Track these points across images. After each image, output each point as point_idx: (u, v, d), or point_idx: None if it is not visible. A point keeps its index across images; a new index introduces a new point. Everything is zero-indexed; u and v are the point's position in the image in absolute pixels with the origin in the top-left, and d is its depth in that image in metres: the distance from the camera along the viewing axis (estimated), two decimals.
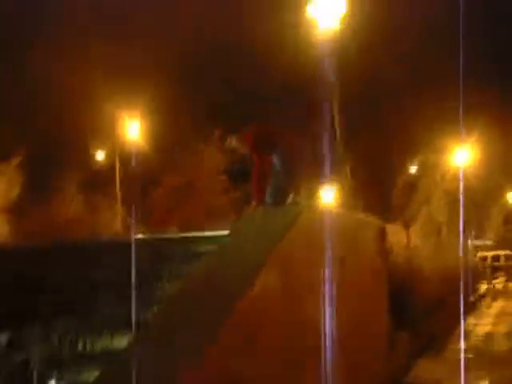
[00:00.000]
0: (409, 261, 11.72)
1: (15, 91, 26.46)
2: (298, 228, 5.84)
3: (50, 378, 4.64)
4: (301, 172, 6.94)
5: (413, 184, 25.84)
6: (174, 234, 8.58)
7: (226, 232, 6.07)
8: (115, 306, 5.67)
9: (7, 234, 23.44)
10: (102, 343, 5.04)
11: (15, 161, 24.20)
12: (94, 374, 4.41)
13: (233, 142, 6.60)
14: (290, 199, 6.20)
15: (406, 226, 16.82)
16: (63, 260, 6.95)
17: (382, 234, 9.03)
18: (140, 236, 11.02)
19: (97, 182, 27.61)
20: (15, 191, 24.36)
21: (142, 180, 23.20)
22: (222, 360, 4.25)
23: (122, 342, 4.84)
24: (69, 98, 26.02)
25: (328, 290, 6.40)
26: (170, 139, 22.88)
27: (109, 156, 27.96)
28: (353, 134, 22.79)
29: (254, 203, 6.37)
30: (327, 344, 6.13)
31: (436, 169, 26.00)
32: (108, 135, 25.73)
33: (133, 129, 24.39)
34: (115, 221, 26.69)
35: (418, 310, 10.15)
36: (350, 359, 6.44)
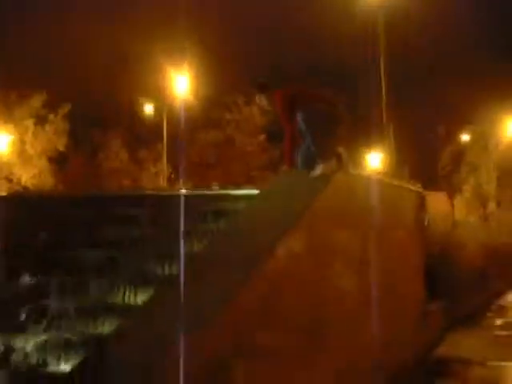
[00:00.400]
0: (450, 231, 11.39)
1: (65, 49, 26.66)
2: (329, 193, 5.63)
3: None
4: (339, 137, 6.59)
5: (461, 153, 25.20)
6: (210, 190, 8.43)
7: (256, 192, 5.91)
8: (143, 262, 5.64)
9: (53, 182, 23.94)
10: (126, 297, 5.00)
11: (62, 111, 24.57)
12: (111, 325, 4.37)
13: (262, 100, 6.27)
14: (319, 168, 5.71)
15: (451, 195, 16.40)
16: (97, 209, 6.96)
17: (422, 203, 8.76)
18: (172, 191, 11.01)
19: (143, 137, 27.84)
20: (62, 141, 24.80)
21: (187, 136, 23.24)
22: (237, 323, 4.13)
23: (142, 297, 4.79)
24: (117, 54, 26.13)
25: (360, 258, 6.24)
26: (215, 97, 22.80)
27: (157, 110, 28.06)
28: (401, 99, 22.30)
29: (284, 166, 6.14)
30: (357, 313, 6.00)
31: (487, 138, 25.27)
32: (157, 90, 25.77)
33: (181, 84, 24.34)
34: (159, 175, 26.97)
35: (455, 283, 9.88)
36: (381, 329, 6.29)
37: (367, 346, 6.07)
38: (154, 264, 5.55)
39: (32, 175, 23.61)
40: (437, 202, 11.13)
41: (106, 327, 4.51)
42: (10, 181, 22.90)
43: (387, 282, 6.60)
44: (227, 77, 21.75)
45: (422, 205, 8.72)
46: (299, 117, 5.85)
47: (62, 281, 5.55)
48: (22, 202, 8.11)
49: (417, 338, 7.76)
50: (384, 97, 20.24)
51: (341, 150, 6.14)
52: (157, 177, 26.97)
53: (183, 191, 8.55)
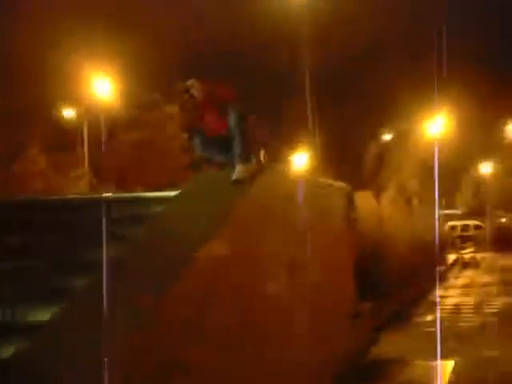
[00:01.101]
0: (377, 229, 11.32)
1: None
2: (254, 193, 5.30)
3: None
4: (262, 138, 6.30)
5: (384, 152, 25.54)
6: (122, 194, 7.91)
7: (174, 193, 5.49)
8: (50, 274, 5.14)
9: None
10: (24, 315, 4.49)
11: None
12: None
13: (190, 83, 5.75)
14: (241, 170, 5.32)
15: (377, 194, 16.45)
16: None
17: (350, 201, 8.57)
18: (87, 195, 10.43)
19: (63, 140, 26.87)
20: None
21: (107, 139, 22.51)
22: (157, 337, 3.72)
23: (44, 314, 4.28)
24: (35, 56, 25.11)
25: (288, 259, 5.94)
26: (136, 98, 22.20)
27: (77, 114, 27.14)
28: (324, 100, 22.36)
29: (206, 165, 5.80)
30: (287, 316, 5.70)
31: (408, 137, 25.71)
32: (77, 93, 24.91)
33: (102, 87, 23.56)
34: (79, 180, 26.04)
35: (384, 280, 9.77)
36: (311, 331, 6.00)
37: (298, 351, 5.76)
38: (62, 276, 5.05)
39: None
40: (364, 200, 11.03)
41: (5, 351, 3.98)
42: None
43: (317, 282, 6.33)
44: (148, 76, 21.22)
45: (350, 203, 8.52)
46: (231, 114, 5.49)
47: None
48: None
49: (349, 340, 7.54)
50: (308, 97, 20.27)
51: (260, 149, 5.90)
52: (77, 181, 26.02)
53: (103, 195, 7.93)
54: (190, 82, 5.66)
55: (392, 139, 26.93)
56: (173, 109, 21.66)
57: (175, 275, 4.02)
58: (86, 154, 24.82)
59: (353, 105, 25.92)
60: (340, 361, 6.97)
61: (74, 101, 26.61)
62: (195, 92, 5.58)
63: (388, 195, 19.50)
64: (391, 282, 10.14)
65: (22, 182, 25.05)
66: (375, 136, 26.95)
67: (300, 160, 24.66)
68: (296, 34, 18.99)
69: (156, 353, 3.69)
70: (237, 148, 5.42)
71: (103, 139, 20.98)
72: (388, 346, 8.09)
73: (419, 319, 9.87)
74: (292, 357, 5.64)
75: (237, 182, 5.25)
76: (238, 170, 5.30)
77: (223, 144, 5.53)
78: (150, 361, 3.57)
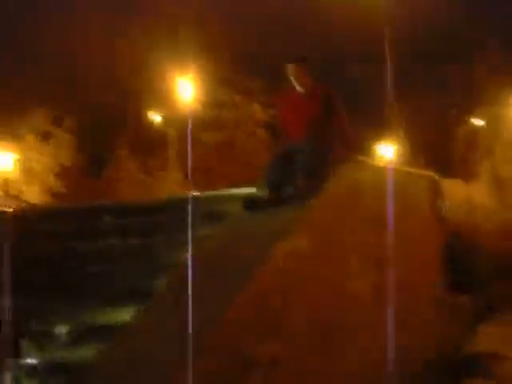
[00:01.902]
0: (469, 218, 10.88)
1: (66, 55, 26.40)
2: (336, 186, 5.17)
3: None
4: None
5: (475, 137, 24.57)
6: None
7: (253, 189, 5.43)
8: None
9: (60, 197, 23.63)
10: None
11: (66, 124, 24.26)
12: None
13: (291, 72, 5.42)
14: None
15: (467, 181, 15.78)
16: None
17: (437, 189, 8.25)
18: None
19: (151, 145, 27.54)
20: (67, 156, 24.49)
21: (193, 140, 22.86)
22: (235, 333, 3.67)
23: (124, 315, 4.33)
24: (122, 61, 25.83)
25: (374, 253, 5.76)
26: (215, 97, 22.41)
27: (163, 118, 27.74)
28: (410, 87, 21.76)
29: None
30: (373, 313, 5.53)
31: (501, 121, 24.64)
32: (163, 98, 25.44)
33: (185, 90, 23.95)
34: (169, 182, 26.61)
35: (478, 272, 9.35)
36: (400, 329, 5.80)
37: (386, 349, 5.57)
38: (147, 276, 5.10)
39: (40, 192, 23.33)
40: (453, 188, 10.63)
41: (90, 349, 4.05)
42: (18, 199, 22.64)
43: (405, 276, 6.10)
44: (227, 76, 21.37)
45: (438, 192, 8.21)
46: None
47: None
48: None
49: (441, 335, 7.25)
50: (389, 83, 19.78)
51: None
52: (167, 184, 26.63)
53: (191, 194, 7.96)
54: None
55: (483, 123, 25.90)
56: (250, 108, 21.81)
57: (251, 273, 3.96)
58: (174, 157, 25.36)
59: (441, 90, 25.14)
60: (433, 355, 6.72)
61: (160, 105, 27.24)
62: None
63: (479, 182, 18.75)
64: (485, 273, 9.70)
65: (114, 188, 25.85)
66: (465, 121, 25.99)
67: (386, 150, 24.17)
68: (380, 21, 18.58)
69: (234, 351, 3.65)
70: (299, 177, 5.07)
71: (189, 141, 21.35)
72: (482, 339, 7.73)
73: None
74: (379, 355, 5.47)
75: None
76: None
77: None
78: (228, 359, 3.52)
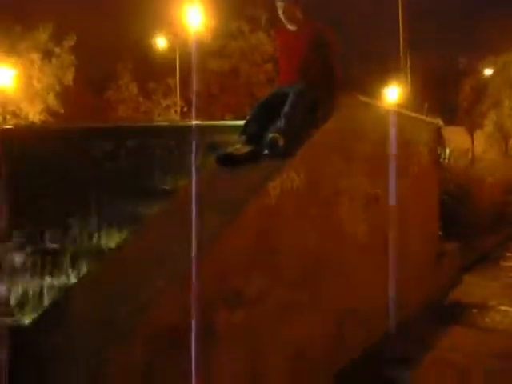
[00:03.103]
0: (468, 168, 10.79)
1: None
2: (334, 124, 5.04)
3: None
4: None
5: (483, 86, 24.19)
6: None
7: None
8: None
9: (61, 117, 23.45)
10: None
11: (68, 43, 23.81)
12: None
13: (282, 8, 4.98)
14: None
15: (471, 130, 15.64)
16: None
17: (440, 137, 8.16)
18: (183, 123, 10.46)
19: (154, 70, 27.11)
20: (68, 75, 24.14)
21: (197, 68, 22.47)
22: (223, 266, 3.65)
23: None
24: None
25: (369, 194, 5.71)
26: (221, 25, 21.93)
27: (169, 43, 27.19)
28: (419, 31, 21.32)
29: None
30: (365, 254, 5.53)
31: (509, 71, 24.20)
32: (169, 22, 24.85)
33: (193, 16, 23.40)
34: (170, 109, 26.39)
35: (472, 221, 9.34)
36: (391, 271, 5.82)
37: (374, 291, 5.60)
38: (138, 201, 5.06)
39: (39, 110, 23.11)
40: (455, 136, 10.50)
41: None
42: (16, 116, 22.43)
43: (399, 219, 6.07)
44: (234, 3, 20.89)
45: (439, 139, 8.10)
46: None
47: None
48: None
49: (431, 280, 7.30)
50: (401, 29, 19.39)
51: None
52: (167, 110, 26.40)
53: (195, 122, 7.88)
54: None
55: (493, 72, 25.46)
56: (257, 37, 21.40)
57: (243, 206, 3.91)
58: (178, 83, 24.98)
59: (452, 42, 24.59)
60: (421, 300, 6.78)
61: (166, 30, 26.67)
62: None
63: (483, 132, 18.60)
64: (479, 223, 9.69)
65: (114, 108, 25.64)
66: (473, 69, 25.57)
67: (391, 92, 23.88)
68: None
69: (221, 284, 3.63)
70: (281, 121, 4.67)
71: (193, 68, 21.00)
72: (471, 288, 7.78)
73: (507, 263, 9.43)
74: (370, 294, 5.50)
75: (272, 140, 4.50)
76: (273, 132, 4.57)
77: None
78: (214, 291, 3.51)
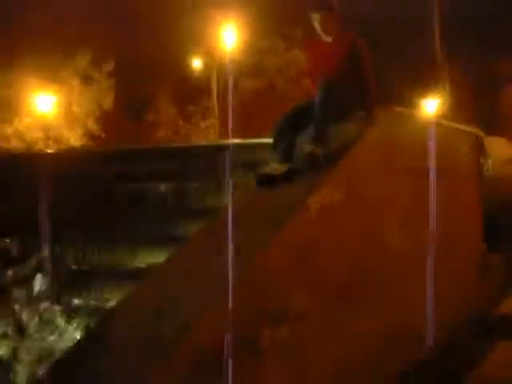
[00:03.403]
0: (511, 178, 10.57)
1: (107, 4, 26.20)
2: (373, 136, 5.01)
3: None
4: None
5: None
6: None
7: None
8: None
9: (99, 141, 23.83)
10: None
11: (107, 68, 24.22)
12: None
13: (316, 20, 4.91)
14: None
15: None
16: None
17: (481, 147, 8.01)
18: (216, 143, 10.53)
19: (191, 92, 27.41)
20: (108, 100, 24.54)
21: (234, 87, 22.63)
22: (265, 283, 3.64)
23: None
24: (161, 8, 25.55)
25: (411, 207, 5.65)
26: (256, 43, 22.07)
27: (204, 64, 27.50)
28: (457, 42, 21.12)
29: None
30: (407, 268, 5.45)
31: None
32: (205, 43, 25.16)
33: (229, 36, 23.61)
34: (208, 130, 26.58)
35: None
36: (434, 285, 5.72)
37: (418, 306, 5.51)
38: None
39: (80, 135, 23.54)
40: (498, 146, 10.33)
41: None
42: (58, 141, 22.89)
43: (441, 233, 5.98)
44: (269, 21, 21.00)
45: (481, 149, 7.97)
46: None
47: None
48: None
49: (476, 294, 7.14)
50: (437, 40, 19.25)
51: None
52: (207, 131, 26.60)
53: (231, 141, 7.90)
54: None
55: None
56: (293, 54, 21.49)
57: (284, 222, 3.90)
58: (215, 104, 25.21)
59: (491, 49, 24.33)
60: (467, 316, 6.64)
61: (201, 52, 26.98)
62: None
63: None
64: None
65: (153, 132, 25.95)
66: None
67: (430, 104, 23.65)
68: None
69: (264, 302, 3.62)
70: (314, 125, 4.63)
71: (230, 88, 21.15)
72: None
73: None
74: (414, 308, 5.42)
75: (310, 155, 4.50)
76: (309, 145, 4.55)
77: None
78: (255, 308, 3.50)
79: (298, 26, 19.79)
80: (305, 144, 4.57)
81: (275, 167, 4.53)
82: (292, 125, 4.73)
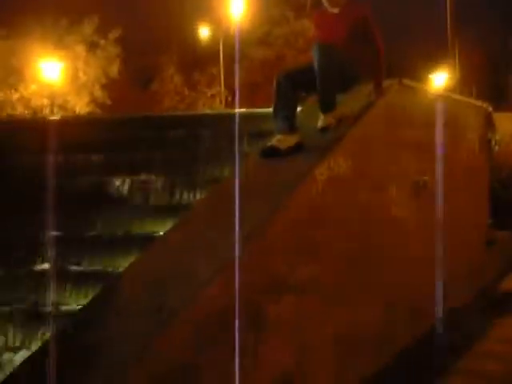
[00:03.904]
0: None
1: None
2: (381, 107, 4.96)
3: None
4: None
5: None
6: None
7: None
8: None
9: (107, 109, 23.72)
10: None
11: (113, 36, 24.01)
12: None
13: None
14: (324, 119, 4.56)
15: None
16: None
17: (490, 121, 7.95)
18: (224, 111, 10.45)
19: (197, 60, 27.19)
20: (114, 67, 24.36)
21: (241, 57, 22.43)
22: (270, 253, 3.62)
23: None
24: None
25: (417, 180, 5.61)
26: (264, 12, 21.80)
27: (211, 32, 27.24)
28: (467, 14, 20.85)
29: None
30: (414, 241, 5.44)
31: None
32: (211, 11, 24.89)
33: (236, 4, 23.34)
34: (215, 98, 26.43)
35: None
36: (440, 259, 5.71)
37: (425, 279, 5.51)
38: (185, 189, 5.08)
39: (86, 102, 23.43)
40: (506, 122, 10.24)
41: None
42: (64, 108, 22.80)
43: (447, 207, 5.95)
44: None
45: (489, 124, 7.90)
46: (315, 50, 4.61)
47: None
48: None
49: (481, 269, 7.15)
50: (449, 12, 18.99)
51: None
52: (213, 99, 26.43)
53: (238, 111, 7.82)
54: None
55: None
56: (302, 24, 21.22)
57: (289, 193, 3.87)
58: (222, 73, 25.02)
59: (504, 23, 23.96)
60: (472, 289, 6.65)
61: (209, 20, 26.71)
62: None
63: None
64: None
65: (160, 100, 25.81)
66: None
67: (439, 78, 23.44)
68: None
69: (270, 271, 3.61)
70: (319, 93, 4.57)
71: (236, 58, 20.96)
72: None
73: None
74: (419, 282, 5.41)
75: (323, 129, 4.54)
76: (322, 119, 4.57)
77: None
78: (259, 277, 3.49)
79: None
80: (314, 114, 4.51)
81: (280, 139, 4.45)
82: (291, 87, 4.58)
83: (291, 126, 4.50)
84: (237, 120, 5.39)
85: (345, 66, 4.63)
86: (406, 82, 5.45)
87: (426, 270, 5.55)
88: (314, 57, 4.54)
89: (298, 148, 4.41)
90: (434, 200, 5.77)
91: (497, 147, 9.34)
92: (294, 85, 4.60)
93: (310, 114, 4.70)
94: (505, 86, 23.62)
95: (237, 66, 18.67)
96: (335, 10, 4.94)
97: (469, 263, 6.77)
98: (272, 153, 4.41)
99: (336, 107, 4.59)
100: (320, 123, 4.55)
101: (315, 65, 4.51)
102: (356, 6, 4.99)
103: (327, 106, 4.54)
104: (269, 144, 4.49)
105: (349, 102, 4.72)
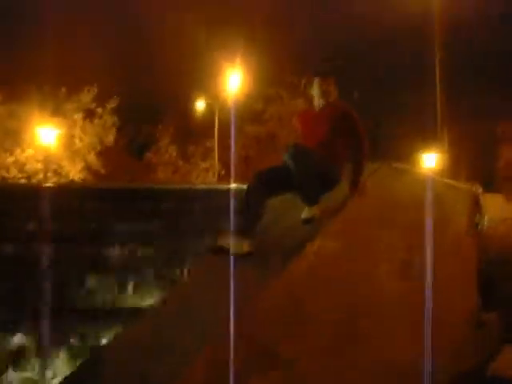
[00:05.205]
0: (507, 236, 10.60)
1: (114, 44, 26.61)
2: (369, 189, 5.09)
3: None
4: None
5: None
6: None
7: None
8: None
9: (100, 176, 23.91)
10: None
11: (110, 105, 24.45)
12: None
13: (317, 85, 5.10)
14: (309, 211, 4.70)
15: (510, 198, 15.48)
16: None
17: (478, 204, 8.07)
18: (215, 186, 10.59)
19: (193, 133, 27.64)
20: (110, 136, 24.71)
21: (235, 131, 22.83)
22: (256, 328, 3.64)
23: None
24: (169, 46, 25.95)
25: (404, 261, 5.67)
26: (260, 90, 22.33)
27: (208, 106, 27.79)
28: (457, 98, 21.44)
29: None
30: (399, 322, 5.44)
31: None
32: (209, 85, 25.50)
33: (233, 80, 23.92)
34: (208, 171, 26.71)
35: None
36: (425, 341, 5.69)
37: (410, 360, 5.47)
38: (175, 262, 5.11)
39: (80, 169, 23.63)
40: (495, 204, 10.38)
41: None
42: (58, 174, 22.97)
43: (435, 286, 5.98)
44: (275, 69, 21.35)
45: (477, 206, 8.02)
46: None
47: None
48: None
49: (468, 351, 7.09)
50: (438, 94, 19.53)
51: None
52: (206, 173, 26.73)
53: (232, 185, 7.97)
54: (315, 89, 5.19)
55: None
56: (296, 104, 21.78)
57: (285, 266, 3.93)
58: (216, 147, 25.41)
59: (490, 108, 24.64)
60: (459, 371, 6.58)
61: (205, 93, 27.31)
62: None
63: None
64: None
65: (153, 171, 26.05)
66: (510, 136, 25.42)
67: (429, 160, 23.84)
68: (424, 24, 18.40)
69: (259, 343, 3.61)
70: (300, 188, 4.68)
71: (232, 132, 21.36)
72: (509, 361, 7.51)
73: None
74: (405, 360, 5.38)
75: (306, 221, 4.64)
76: (307, 210, 4.69)
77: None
78: (245, 353, 3.49)
79: (302, 75, 20.13)
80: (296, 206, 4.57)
81: (235, 243, 4.31)
82: (263, 189, 4.69)
83: (247, 231, 4.45)
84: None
85: (322, 170, 4.74)
86: (394, 164, 5.61)
87: (411, 348, 5.52)
88: (289, 156, 4.65)
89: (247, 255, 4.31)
90: (420, 280, 5.81)
91: (485, 228, 9.45)
92: (268, 185, 4.68)
93: (293, 206, 4.80)
94: (493, 168, 24.05)
95: (233, 143, 18.98)
96: (322, 103, 5.09)
97: (455, 345, 6.74)
98: (220, 252, 4.32)
99: (320, 200, 4.67)
100: (304, 214, 4.63)
101: (292, 165, 4.60)
102: (337, 103, 5.16)
103: (311, 200, 4.63)
104: (219, 244, 4.39)
105: (333, 196, 4.83)
